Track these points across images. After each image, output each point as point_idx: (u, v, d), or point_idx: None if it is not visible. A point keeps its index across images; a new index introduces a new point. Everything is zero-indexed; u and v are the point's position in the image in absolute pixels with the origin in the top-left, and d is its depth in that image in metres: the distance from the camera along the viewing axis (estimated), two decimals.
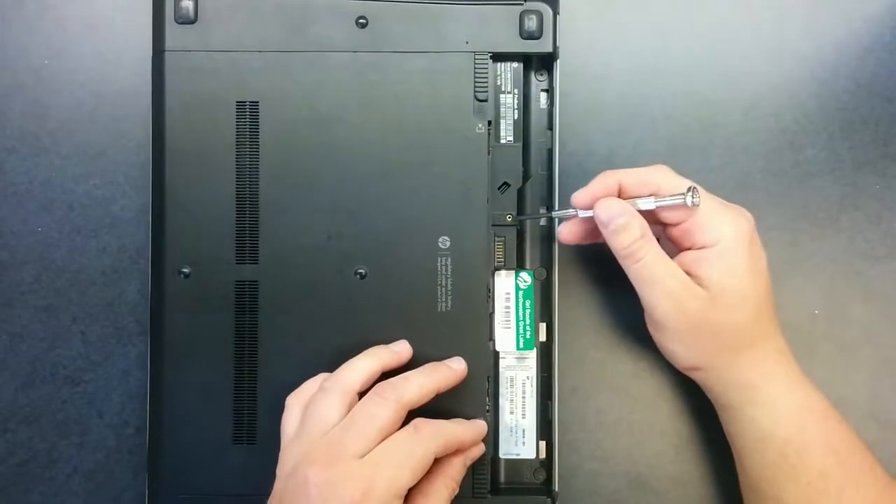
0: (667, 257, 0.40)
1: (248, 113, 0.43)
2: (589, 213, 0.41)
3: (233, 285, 0.43)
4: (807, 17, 0.48)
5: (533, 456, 0.45)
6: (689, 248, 0.41)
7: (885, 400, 0.47)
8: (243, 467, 0.43)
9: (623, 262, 0.41)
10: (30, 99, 0.47)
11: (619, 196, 0.41)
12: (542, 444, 0.45)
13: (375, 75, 0.43)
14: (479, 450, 0.42)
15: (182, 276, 0.43)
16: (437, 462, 0.39)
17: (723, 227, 0.40)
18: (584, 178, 0.47)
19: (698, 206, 0.39)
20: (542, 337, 0.45)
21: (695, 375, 0.43)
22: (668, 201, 0.40)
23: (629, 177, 0.41)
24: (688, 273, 0.40)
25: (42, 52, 0.47)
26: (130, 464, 0.47)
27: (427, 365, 0.42)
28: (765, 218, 0.47)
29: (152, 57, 0.44)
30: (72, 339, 0.47)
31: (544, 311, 0.45)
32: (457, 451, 0.40)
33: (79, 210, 0.47)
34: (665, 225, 0.41)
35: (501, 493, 0.44)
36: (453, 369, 0.42)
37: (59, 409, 0.47)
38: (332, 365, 0.41)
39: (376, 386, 0.39)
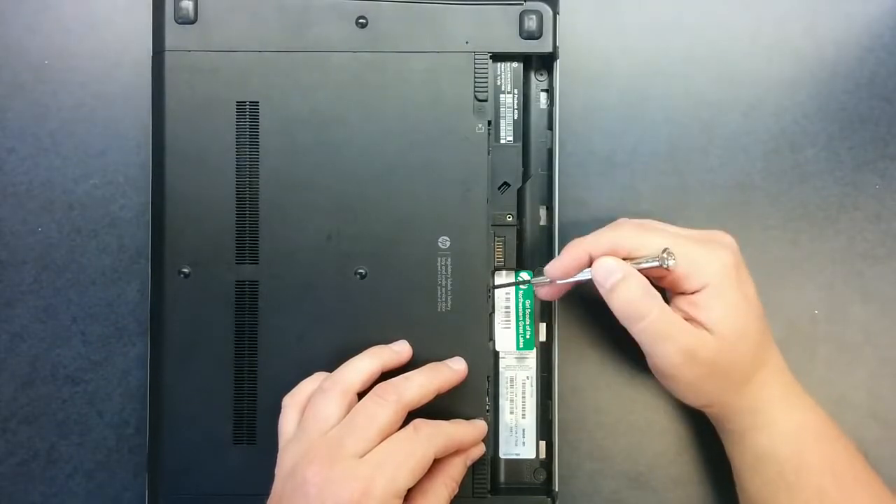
0: (670, 310, 0.39)
1: (248, 113, 0.43)
2: (570, 280, 0.41)
3: (233, 285, 0.43)
4: (807, 17, 0.48)
5: (533, 456, 0.45)
6: (678, 292, 0.40)
7: (885, 400, 0.47)
8: (243, 467, 0.43)
9: (627, 323, 0.39)
10: (30, 99, 0.47)
11: (589, 264, 0.40)
12: (542, 444, 0.45)
13: (375, 75, 0.43)
14: (480, 450, 0.42)
15: (182, 276, 0.43)
16: (438, 462, 0.39)
17: (708, 268, 0.39)
18: (584, 178, 0.47)
19: (674, 265, 0.39)
20: (542, 337, 0.45)
21: (707, 412, 0.43)
22: (644, 264, 0.39)
23: (597, 243, 0.40)
24: (686, 318, 0.39)
25: (42, 52, 0.47)
26: (130, 464, 0.47)
27: (427, 365, 0.41)
28: (765, 218, 0.47)
29: (152, 57, 0.44)
30: (72, 339, 0.47)
31: (544, 311, 0.45)
32: (457, 451, 0.40)
33: (79, 210, 0.47)
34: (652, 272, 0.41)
35: (501, 493, 0.44)
36: (454, 369, 0.42)
37: (59, 409, 0.47)
38: (331, 365, 0.41)
39: (376, 386, 0.39)
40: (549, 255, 0.45)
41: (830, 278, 0.47)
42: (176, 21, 0.44)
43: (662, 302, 0.39)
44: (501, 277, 0.45)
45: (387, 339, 0.42)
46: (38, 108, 0.47)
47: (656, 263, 0.39)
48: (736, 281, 0.39)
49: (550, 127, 0.45)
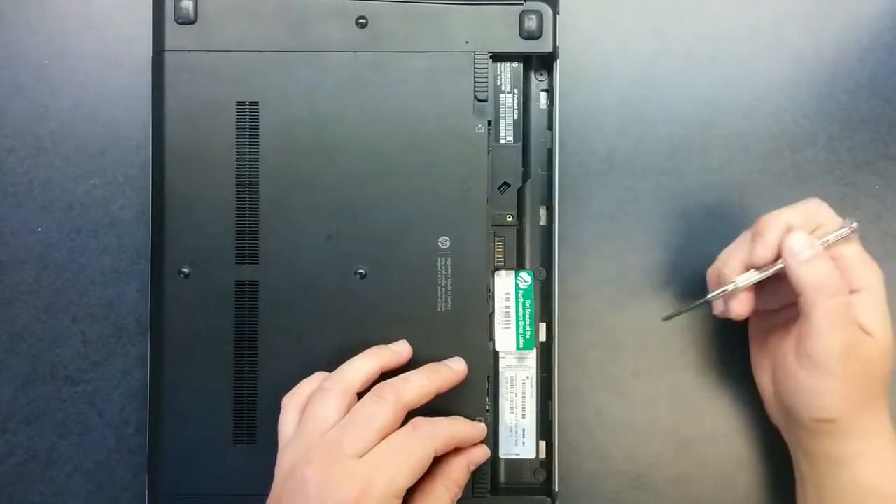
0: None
1: (248, 113, 0.43)
2: (749, 280, 0.40)
3: (233, 285, 0.43)
4: (807, 17, 0.48)
5: (533, 456, 0.45)
6: None
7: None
8: (243, 467, 0.43)
9: (813, 295, 0.38)
10: (30, 99, 0.47)
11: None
12: (542, 444, 0.45)
13: (375, 75, 0.43)
14: (484, 454, 0.42)
15: (182, 276, 0.43)
16: (440, 463, 0.39)
17: (870, 271, 0.40)
18: (584, 178, 0.47)
19: (855, 230, 0.39)
20: (542, 337, 0.45)
21: (817, 428, 0.40)
22: (831, 236, 0.39)
23: (794, 214, 0.40)
24: None
25: (42, 52, 0.47)
26: (130, 464, 0.47)
27: (427, 365, 0.41)
28: None
29: (152, 57, 0.44)
30: (72, 339, 0.47)
31: (544, 311, 0.45)
32: (460, 454, 0.40)
33: (79, 210, 0.47)
34: None
35: (501, 493, 0.44)
36: (454, 370, 0.42)
37: (59, 409, 0.47)
38: (331, 365, 0.41)
39: (376, 386, 0.39)
40: (549, 255, 0.44)
41: None
42: (176, 21, 0.44)
43: (847, 289, 0.39)
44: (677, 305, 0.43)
45: (387, 339, 0.42)
46: (38, 108, 0.47)
47: (846, 231, 0.39)
48: (885, 296, 0.40)
49: (550, 127, 0.45)
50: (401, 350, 0.42)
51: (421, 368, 0.41)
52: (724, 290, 0.41)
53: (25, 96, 0.47)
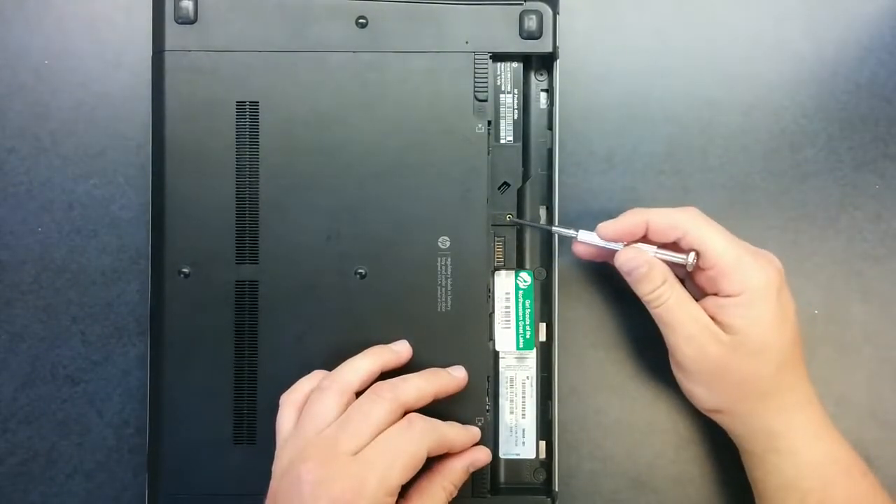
0: (690, 301, 0.41)
1: (248, 113, 0.43)
2: (589, 241, 0.42)
3: (233, 285, 0.43)
4: (807, 17, 0.48)
5: (533, 456, 0.45)
6: (714, 294, 0.41)
7: (885, 400, 0.47)
8: (243, 467, 0.43)
9: (647, 306, 0.42)
10: (30, 99, 0.47)
11: (644, 235, 0.41)
12: (542, 444, 0.45)
13: (375, 75, 0.43)
14: (486, 457, 0.41)
15: (182, 276, 0.43)
16: (437, 464, 0.39)
17: (750, 277, 0.40)
18: (584, 178, 0.47)
19: (692, 267, 0.40)
20: (542, 337, 0.45)
21: (716, 418, 0.43)
22: (671, 257, 0.41)
23: (658, 217, 0.41)
24: (712, 318, 0.40)
25: (42, 52, 0.47)
26: (130, 464, 0.47)
27: (428, 369, 0.41)
28: (765, 218, 0.47)
29: (152, 57, 0.44)
30: (72, 338, 0.47)
31: (544, 311, 0.45)
32: (458, 455, 0.40)
33: (79, 210, 0.47)
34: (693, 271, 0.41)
35: (501, 493, 0.44)
36: (453, 376, 0.42)
37: (59, 409, 0.47)
38: (331, 365, 0.41)
39: (374, 385, 0.39)
40: (549, 255, 0.44)
41: (830, 278, 0.47)
42: (176, 21, 0.44)
43: (681, 292, 0.41)
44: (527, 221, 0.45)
45: (387, 339, 0.42)
46: (38, 108, 0.47)
47: (681, 259, 0.41)
48: (775, 298, 0.40)
49: (550, 127, 0.45)
50: (401, 350, 0.42)
51: (421, 372, 0.41)
52: (568, 231, 0.43)
53: (25, 96, 0.47)
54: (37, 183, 0.47)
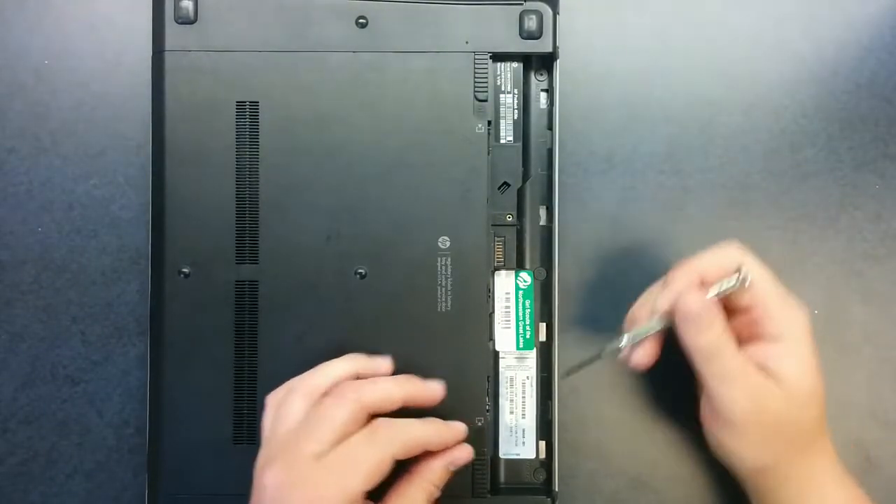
0: (742, 354, 0.38)
1: (248, 113, 0.43)
2: (644, 333, 0.39)
3: (233, 285, 0.43)
4: (807, 17, 0.48)
5: (533, 456, 0.45)
6: (753, 340, 0.39)
7: (885, 400, 0.47)
8: (243, 467, 0.43)
9: (698, 359, 0.38)
10: (30, 99, 0.47)
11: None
12: (542, 444, 0.45)
13: (375, 75, 0.43)
14: (467, 455, 0.40)
15: (182, 276, 0.43)
16: (417, 464, 0.39)
17: (792, 318, 0.38)
18: (584, 178, 0.47)
19: (748, 283, 0.38)
20: (542, 337, 0.45)
21: (756, 478, 0.40)
22: (725, 286, 0.38)
23: (708, 259, 0.39)
24: (759, 367, 0.38)
25: (42, 52, 0.47)
26: (130, 464, 0.47)
27: (402, 375, 0.41)
28: (765, 218, 0.47)
29: (152, 57, 0.44)
30: (72, 338, 0.47)
31: (544, 311, 0.45)
32: (438, 455, 0.39)
33: (79, 210, 0.47)
34: (730, 314, 0.39)
35: (501, 493, 0.44)
36: (427, 386, 0.40)
37: (59, 409, 0.47)
38: None
39: (338, 385, 0.39)
40: (549, 255, 0.44)
41: (830, 278, 0.47)
42: (176, 21, 0.44)
43: (735, 344, 0.38)
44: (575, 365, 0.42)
45: (387, 339, 0.42)
46: (38, 108, 0.47)
47: (734, 283, 0.38)
48: (812, 342, 0.39)
49: (550, 127, 0.45)
50: (380, 364, 0.41)
51: (394, 377, 0.40)
52: (616, 347, 0.40)
53: (25, 96, 0.47)
54: (37, 183, 0.47)
